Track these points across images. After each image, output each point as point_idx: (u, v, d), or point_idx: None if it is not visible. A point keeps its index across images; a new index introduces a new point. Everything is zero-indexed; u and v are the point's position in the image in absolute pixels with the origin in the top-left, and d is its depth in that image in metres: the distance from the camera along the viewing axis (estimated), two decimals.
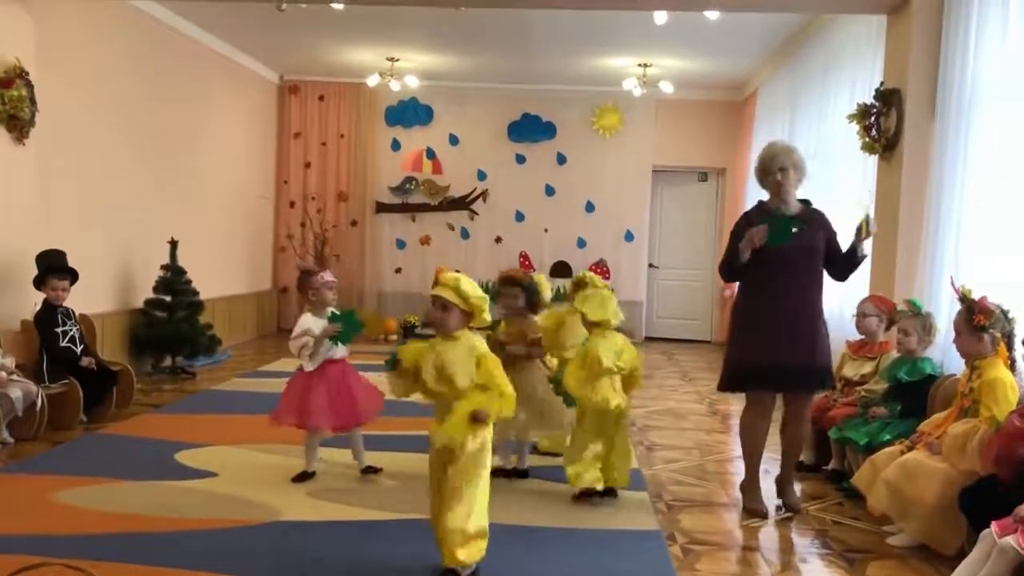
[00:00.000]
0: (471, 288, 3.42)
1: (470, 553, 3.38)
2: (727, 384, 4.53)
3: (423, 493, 4.53)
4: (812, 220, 4.38)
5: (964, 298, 4.01)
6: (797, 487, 4.75)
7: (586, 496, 4.54)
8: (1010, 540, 3.07)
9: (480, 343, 3.48)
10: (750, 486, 4.59)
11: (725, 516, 4.56)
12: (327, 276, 4.90)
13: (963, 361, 4.20)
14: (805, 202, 4.49)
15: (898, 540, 4.11)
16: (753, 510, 4.51)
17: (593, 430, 4.56)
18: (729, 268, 4.42)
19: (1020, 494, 3.33)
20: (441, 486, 3.40)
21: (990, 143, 4.86)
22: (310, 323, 4.76)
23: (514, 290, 4.88)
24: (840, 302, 6.24)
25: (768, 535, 4.28)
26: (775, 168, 4.35)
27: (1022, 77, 4.60)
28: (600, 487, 4.56)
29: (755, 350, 4.33)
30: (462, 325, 3.45)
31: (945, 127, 5.30)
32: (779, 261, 4.25)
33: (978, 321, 3.94)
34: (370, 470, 4.94)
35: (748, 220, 4.38)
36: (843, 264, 4.42)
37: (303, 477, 4.81)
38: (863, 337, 5.36)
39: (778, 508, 4.57)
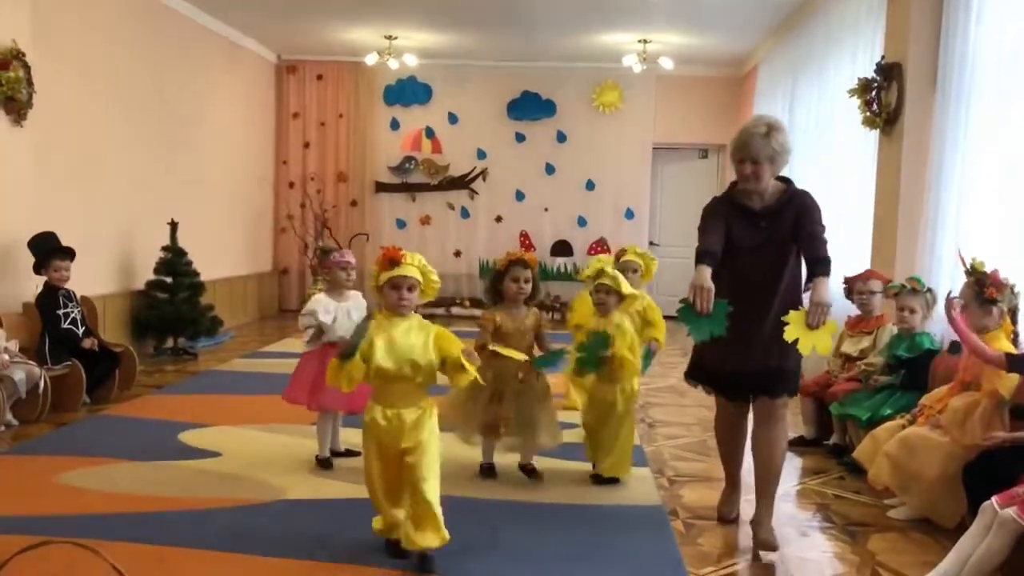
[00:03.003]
0: (429, 267, 3.45)
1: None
2: (688, 373, 3.98)
3: None
4: (782, 211, 3.64)
5: (975, 271, 4.00)
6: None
7: (606, 481, 4.51)
8: (1010, 512, 3.08)
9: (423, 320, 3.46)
10: (728, 489, 4.13)
11: None
12: (342, 256, 4.70)
13: None
14: (786, 181, 3.75)
15: (899, 513, 4.13)
16: (719, 513, 4.08)
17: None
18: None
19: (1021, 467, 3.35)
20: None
21: (991, 117, 4.84)
22: (320, 304, 4.58)
23: (526, 273, 4.39)
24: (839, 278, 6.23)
25: None
26: (747, 158, 3.62)
27: (1023, 50, 4.57)
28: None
29: (711, 353, 3.74)
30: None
31: (946, 101, 5.27)
32: (742, 260, 3.63)
33: (990, 294, 3.93)
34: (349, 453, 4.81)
35: (715, 209, 3.77)
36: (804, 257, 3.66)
37: (327, 464, 4.70)
38: (859, 313, 5.37)
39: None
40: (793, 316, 3.41)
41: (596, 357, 4.35)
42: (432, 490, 3.29)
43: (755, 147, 3.59)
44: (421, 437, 3.32)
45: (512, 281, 4.35)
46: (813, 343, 3.36)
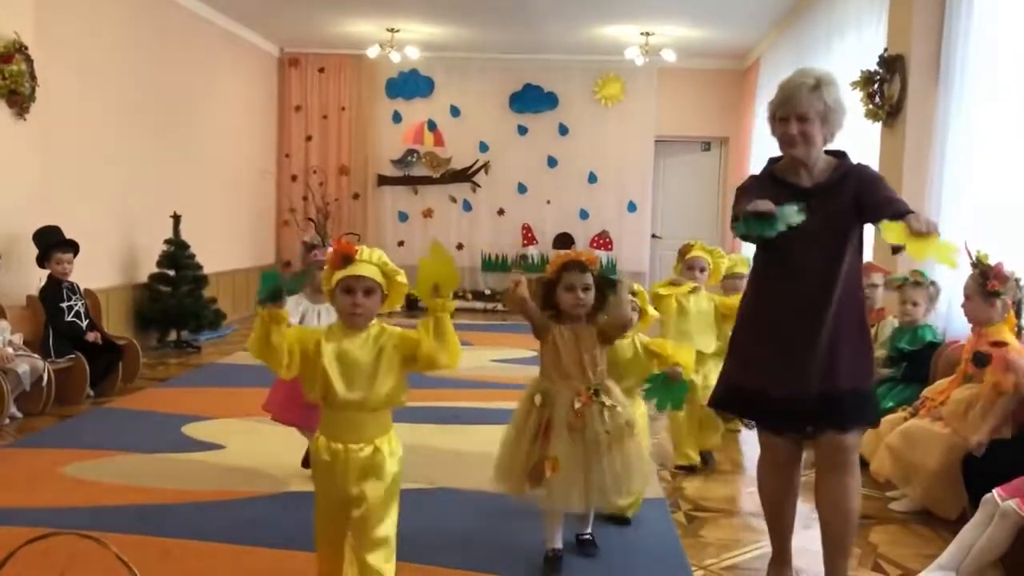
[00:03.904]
0: (393, 266, 2.74)
1: None
2: (716, 400, 3.24)
3: (426, 463, 4.58)
4: (837, 188, 2.94)
5: (979, 263, 4.01)
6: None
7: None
8: (1012, 504, 3.09)
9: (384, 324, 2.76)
10: (776, 564, 3.24)
11: (728, 483, 4.59)
12: (323, 253, 4.21)
13: (968, 327, 4.21)
14: (839, 155, 3.06)
15: (901, 505, 4.15)
16: None
17: None
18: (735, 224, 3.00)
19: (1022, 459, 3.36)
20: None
21: (994, 109, 4.84)
22: (288, 304, 3.75)
23: (585, 279, 3.25)
24: None
25: None
26: (793, 114, 2.93)
27: None
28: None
29: (752, 371, 3.02)
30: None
31: (948, 93, 5.27)
32: (790, 249, 2.86)
33: (992, 287, 3.93)
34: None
35: (752, 184, 3.12)
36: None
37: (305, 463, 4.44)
38: None
39: None
40: (889, 224, 2.64)
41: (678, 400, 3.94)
42: (383, 559, 2.66)
43: (803, 100, 2.91)
44: (372, 485, 2.66)
45: (567, 291, 3.25)
46: (932, 252, 2.56)
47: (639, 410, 3.77)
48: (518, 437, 3.28)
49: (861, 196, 2.88)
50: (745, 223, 2.79)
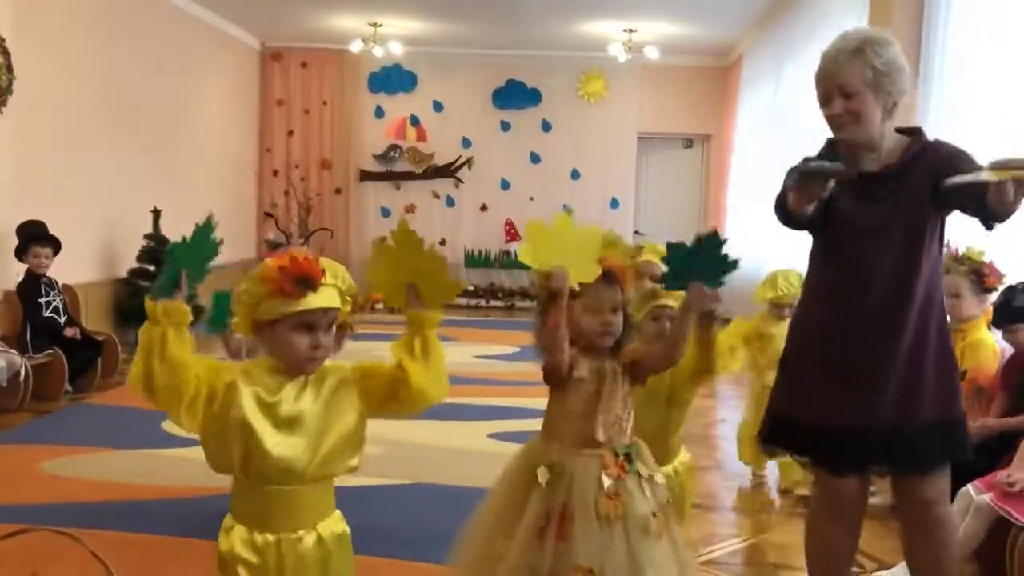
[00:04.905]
0: (351, 283, 2.02)
1: None
2: (765, 436, 2.70)
3: (408, 458, 4.58)
4: (911, 171, 2.44)
5: (970, 260, 4.00)
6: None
7: None
8: (987, 498, 3.12)
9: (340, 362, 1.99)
10: None
11: (709, 478, 4.60)
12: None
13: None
14: (912, 132, 2.55)
15: (878, 500, 4.16)
16: None
17: None
18: (781, 206, 2.50)
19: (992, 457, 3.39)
20: None
21: (976, 104, 4.87)
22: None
23: (614, 295, 2.27)
24: None
25: (751, 497, 4.33)
26: (834, 90, 2.45)
27: (1007, 39, 4.60)
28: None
29: (807, 399, 2.52)
30: None
31: (928, 87, 5.31)
32: (856, 249, 2.44)
33: (990, 283, 3.93)
34: None
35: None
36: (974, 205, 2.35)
37: None
38: None
39: None
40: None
41: None
42: None
43: (842, 71, 2.40)
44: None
45: (591, 313, 2.26)
46: None
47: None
48: (503, 529, 2.25)
49: (939, 176, 2.33)
50: (796, 177, 2.30)
